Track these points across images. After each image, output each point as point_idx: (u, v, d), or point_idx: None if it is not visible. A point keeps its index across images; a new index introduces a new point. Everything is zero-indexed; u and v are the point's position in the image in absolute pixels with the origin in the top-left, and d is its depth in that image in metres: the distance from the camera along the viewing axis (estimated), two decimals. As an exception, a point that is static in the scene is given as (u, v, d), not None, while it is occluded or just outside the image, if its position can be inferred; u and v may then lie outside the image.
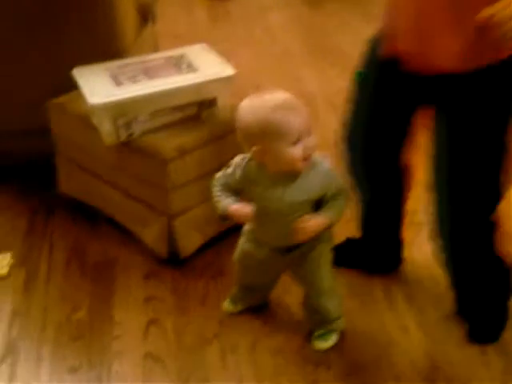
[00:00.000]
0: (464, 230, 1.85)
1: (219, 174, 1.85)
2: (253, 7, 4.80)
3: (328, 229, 1.85)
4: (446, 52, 1.64)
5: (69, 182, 2.62)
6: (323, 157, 1.78)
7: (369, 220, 2.18)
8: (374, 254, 2.21)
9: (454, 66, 1.64)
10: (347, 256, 2.19)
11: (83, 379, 1.93)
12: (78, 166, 2.53)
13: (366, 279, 2.21)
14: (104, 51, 2.51)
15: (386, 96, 1.85)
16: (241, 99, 1.74)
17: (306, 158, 1.70)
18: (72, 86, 2.37)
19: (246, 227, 1.93)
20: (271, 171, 1.74)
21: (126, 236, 2.43)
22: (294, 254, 1.86)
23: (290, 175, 1.73)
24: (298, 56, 3.97)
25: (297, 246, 1.84)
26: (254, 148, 1.70)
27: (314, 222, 1.75)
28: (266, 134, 1.65)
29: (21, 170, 2.73)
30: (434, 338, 1.99)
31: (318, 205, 1.80)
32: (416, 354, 1.94)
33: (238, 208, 1.76)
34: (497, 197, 1.79)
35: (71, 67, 2.35)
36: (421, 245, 2.24)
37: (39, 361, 1.99)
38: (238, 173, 1.80)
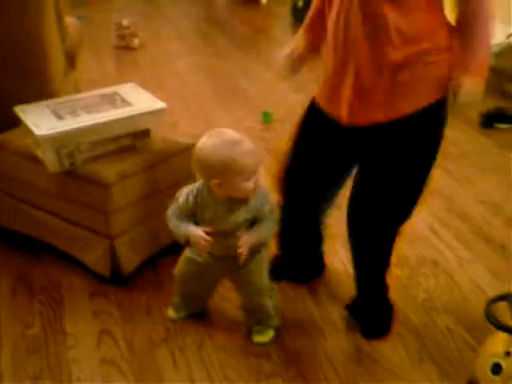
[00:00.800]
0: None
1: (170, 209, 2.08)
2: (159, 56, 5.09)
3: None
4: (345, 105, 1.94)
5: (9, 217, 2.76)
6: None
7: (288, 237, 2.43)
8: (298, 267, 2.49)
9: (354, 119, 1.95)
10: (276, 270, 2.43)
11: (45, 385, 2.08)
12: (17, 200, 2.69)
13: (294, 283, 2.48)
14: (38, 92, 2.72)
15: (321, 144, 2.12)
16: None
17: (252, 192, 1.99)
18: (8, 126, 2.57)
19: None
20: (220, 197, 2.00)
21: (68, 261, 2.60)
22: (232, 261, 2.10)
23: (236, 200, 2.01)
24: (207, 98, 4.27)
25: (233, 257, 2.09)
26: (214, 181, 1.95)
27: (250, 239, 2.03)
28: (227, 170, 1.91)
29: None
30: (356, 327, 2.27)
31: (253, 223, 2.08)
32: (344, 341, 2.22)
33: (196, 235, 2.01)
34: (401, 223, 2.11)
35: (7, 107, 2.53)
36: (337, 252, 2.55)
37: (0, 375, 2.12)
38: (191, 199, 2.05)
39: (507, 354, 1.79)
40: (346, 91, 1.92)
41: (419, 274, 2.55)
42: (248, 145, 1.95)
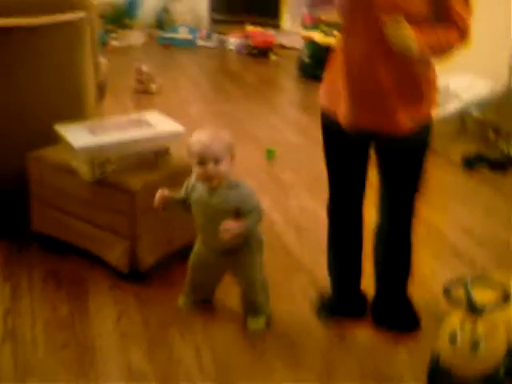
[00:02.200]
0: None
1: None
2: (175, 100, 5.57)
3: (255, 239, 2.53)
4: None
5: (41, 221, 3.17)
6: (244, 183, 2.50)
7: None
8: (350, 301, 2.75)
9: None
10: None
11: (73, 353, 2.45)
12: (51, 207, 3.10)
13: (285, 278, 2.87)
14: (74, 115, 3.18)
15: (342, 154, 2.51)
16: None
17: (210, 178, 2.42)
18: (46, 143, 3.00)
19: (198, 236, 2.59)
20: (200, 181, 2.47)
21: (91, 261, 2.99)
22: (232, 257, 2.51)
23: (215, 188, 2.45)
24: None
25: (233, 251, 2.49)
26: None
27: (233, 224, 2.41)
28: (188, 153, 2.45)
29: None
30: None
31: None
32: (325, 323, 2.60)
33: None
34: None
35: (48, 126, 2.96)
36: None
37: (34, 343, 2.50)
38: (186, 183, 2.55)
39: (462, 326, 2.17)
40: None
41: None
42: (207, 139, 2.42)
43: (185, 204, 2.55)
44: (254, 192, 2.51)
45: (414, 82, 2.30)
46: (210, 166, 2.40)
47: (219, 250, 2.53)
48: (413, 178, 2.45)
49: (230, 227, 2.39)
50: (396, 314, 2.65)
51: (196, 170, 2.45)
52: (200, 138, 2.45)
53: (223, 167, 2.42)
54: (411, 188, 2.47)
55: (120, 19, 7.62)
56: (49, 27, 3.04)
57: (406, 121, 2.31)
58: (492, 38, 4.72)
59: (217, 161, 2.40)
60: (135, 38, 7.63)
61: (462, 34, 2.24)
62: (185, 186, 2.55)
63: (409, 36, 2.12)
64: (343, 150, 2.47)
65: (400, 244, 2.58)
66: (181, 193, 2.56)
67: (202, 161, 2.41)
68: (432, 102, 2.38)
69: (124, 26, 7.60)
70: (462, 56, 5.07)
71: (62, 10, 3.10)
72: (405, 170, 2.44)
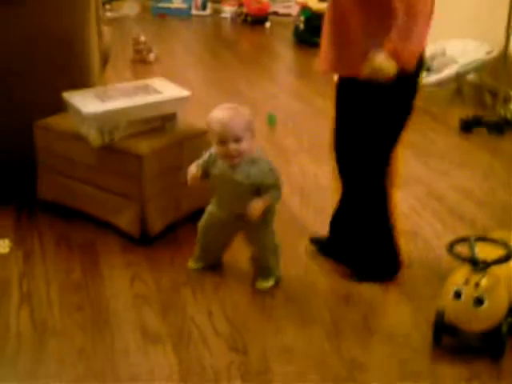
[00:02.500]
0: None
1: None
2: (172, 68, 5.60)
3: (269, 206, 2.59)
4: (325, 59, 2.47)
5: (49, 189, 3.22)
6: (265, 158, 2.55)
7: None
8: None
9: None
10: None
11: (88, 315, 2.52)
12: (60, 175, 3.14)
13: (292, 241, 2.94)
14: (79, 83, 3.21)
15: None
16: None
17: (231, 156, 2.46)
18: (52, 113, 3.04)
19: (214, 199, 2.65)
20: (220, 157, 2.51)
21: (101, 226, 3.05)
22: (245, 221, 2.57)
23: (236, 165, 2.49)
24: (216, 102, 4.70)
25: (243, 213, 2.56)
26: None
27: (260, 205, 2.49)
28: (208, 131, 2.48)
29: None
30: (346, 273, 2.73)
31: (259, 193, 2.54)
32: (331, 283, 2.68)
33: (189, 171, 2.56)
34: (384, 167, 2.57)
35: (53, 95, 3.00)
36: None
37: (50, 305, 2.57)
38: (206, 156, 2.58)
39: (466, 282, 2.25)
40: None
41: (401, 240, 3.00)
42: (224, 114, 2.46)
43: (205, 175, 2.59)
44: (274, 166, 2.55)
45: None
46: (231, 145, 2.44)
47: (234, 213, 2.58)
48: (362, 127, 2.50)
49: (258, 208, 2.47)
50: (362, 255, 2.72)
51: (217, 148, 2.49)
52: (220, 116, 2.45)
53: (244, 145, 2.46)
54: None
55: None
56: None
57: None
58: (488, 2, 4.78)
59: (237, 140, 2.44)
60: (129, 8, 7.63)
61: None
62: (206, 157, 2.58)
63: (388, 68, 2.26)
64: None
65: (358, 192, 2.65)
66: (201, 162, 2.59)
67: (223, 140, 2.44)
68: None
69: (117, -3, 7.60)
70: (458, 20, 5.16)
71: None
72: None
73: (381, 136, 2.51)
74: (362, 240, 2.71)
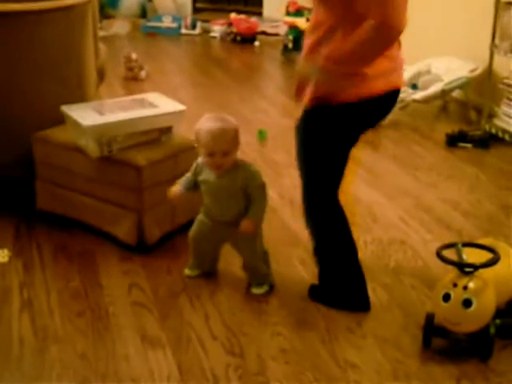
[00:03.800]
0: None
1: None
2: (164, 86, 5.68)
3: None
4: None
5: (47, 200, 3.29)
6: (247, 161, 2.65)
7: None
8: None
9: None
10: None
11: (88, 321, 2.59)
12: (58, 186, 3.22)
13: (284, 251, 3.02)
14: (77, 97, 3.29)
15: None
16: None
17: (218, 168, 2.56)
18: (50, 125, 3.14)
19: (202, 207, 2.73)
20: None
21: (99, 235, 3.13)
22: (233, 229, 2.65)
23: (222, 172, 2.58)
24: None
25: (235, 223, 2.64)
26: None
27: (251, 225, 2.59)
28: (196, 141, 2.57)
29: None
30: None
31: (246, 196, 2.62)
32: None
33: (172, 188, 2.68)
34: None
35: (51, 109, 3.09)
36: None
37: (51, 312, 2.63)
38: (194, 165, 2.69)
39: (454, 285, 2.34)
40: None
41: (390, 249, 3.11)
42: (212, 127, 2.52)
43: (194, 187, 2.70)
44: (257, 168, 2.65)
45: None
46: (219, 158, 2.54)
47: (223, 221, 2.67)
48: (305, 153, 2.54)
49: (249, 227, 2.57)
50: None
51: (204, 159, 2.58)
52: (208, 129, 2.52)
53: (231, 157, 2.56)
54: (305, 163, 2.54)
55: (103, 10, 7.69)
56: (53, 12, 3.15)
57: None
58: (472, 20, 4.92)
59: (225, 153, 2.54)
60: (120, 27, 7.73)
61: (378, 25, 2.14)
62: (193, 167, 2.69)
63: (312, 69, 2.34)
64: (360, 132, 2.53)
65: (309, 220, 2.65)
66: (188, 176, 2.70)
67: (211, 153, 2.54)
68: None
69: (108, 16, 7.70)
70: (442, 39, 5.31)
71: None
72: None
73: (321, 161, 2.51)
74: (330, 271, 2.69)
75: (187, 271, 2.88)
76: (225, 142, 2.53)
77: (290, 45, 6.56)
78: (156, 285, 2.81)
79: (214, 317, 2.62)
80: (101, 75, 3.67)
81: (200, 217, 2.75)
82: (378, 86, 2.35)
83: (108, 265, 2.95)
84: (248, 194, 2.61)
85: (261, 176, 2.64)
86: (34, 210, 3.31)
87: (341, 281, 2.64)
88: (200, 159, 2.65)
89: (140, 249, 3.02)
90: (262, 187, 2.62)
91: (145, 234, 3.02)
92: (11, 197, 3.36)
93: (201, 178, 2.66)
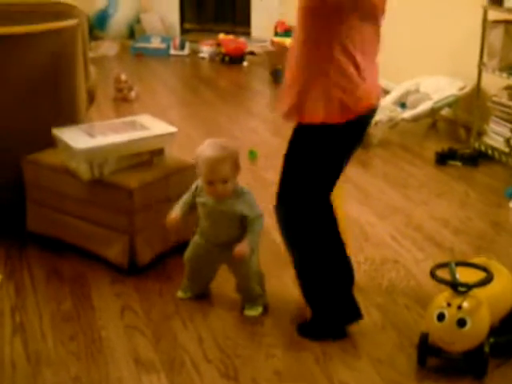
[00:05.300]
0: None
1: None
2: (154, 107, 5.69)
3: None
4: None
5: (37, 222, 3.28)
6: (247, 190, 2.65)
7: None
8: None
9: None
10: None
11: (81, 344, 2.57)
12: (49, 209, 3.21)
13: (277, 271, 3.02)
14: (68, 120, 3.29)
15: None
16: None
17: (219, 195, 2.56)
18: (40, 148, 3.14)
19: (199, 228, 2.73)
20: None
21: (89, 258, 3.11)
22: (229, 251, 2.65)
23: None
24: (198, 140, 4.81)
25: (231, 245, 2.64)
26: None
27: (245, 248, 2.58)
28: (197, 168, 2.57)
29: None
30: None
31: (243, 224, 2.63)
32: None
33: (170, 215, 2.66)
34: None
35: (42, 132, 3.09)
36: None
37: (43, 335, 2.61)
38: (193, 187, 2.68)
39: (448, 304, 2.34)
40: None
41: (383, 269, 3.11)
42: (212, 154, 2.52)
43: (191, 209, 2.69)
44: (255, 199, 2.65)
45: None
46: (219, 186, 2.55)
47: (218, 244, 2.67)
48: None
49: (243, 252, 2.57)
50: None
51: (204, 186, 2.59)
52: (207, 157, 2.52)
53: (230, 185, 2.56)
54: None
55: (91, 31, 7.71)
56: (43, 35, 3.15)
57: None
58: (459, 38, 4.97)
59: (224, 181, 2.54)
60: (108, 48, 7.74)
61: None
62: (193, 188, 2.69)
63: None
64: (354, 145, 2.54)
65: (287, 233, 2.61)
66: (186, 198, 2.70)
67: (210, 182, 2.55)
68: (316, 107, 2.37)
69: (96, 38, 7.71)
70: (431, 58, 5.35)
71: (54, 18, 3.22)
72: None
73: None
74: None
75: (180, 293, 2.87)
76: (223, 171, 2.53)
77: (280, 66, 6.58)
78: (149, 307, 2.80)
79: (207, 339, 2.61)
80: (91, 97, 3.67)
81: (196, 239, 2.75)
82: (362, 106, 2.37)
83: (100, 287, 2.94)
84: (245, 222, 2.61)
85: (258, 207, 2.64)
86: (25, 232, 3.28)
87: (328, 295, 2.61)
88: (199, 181, 2.65)
89: (132, 271, 3.01)
90: (260, 218, 2.63)
91: (136, 256, 3.01)
92: (1, 219, 3.34)
93: (200, 200, 2.66)
